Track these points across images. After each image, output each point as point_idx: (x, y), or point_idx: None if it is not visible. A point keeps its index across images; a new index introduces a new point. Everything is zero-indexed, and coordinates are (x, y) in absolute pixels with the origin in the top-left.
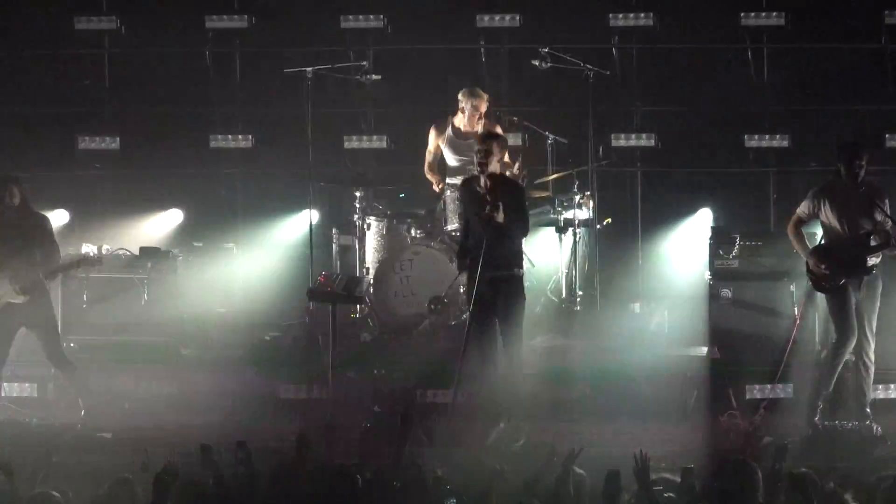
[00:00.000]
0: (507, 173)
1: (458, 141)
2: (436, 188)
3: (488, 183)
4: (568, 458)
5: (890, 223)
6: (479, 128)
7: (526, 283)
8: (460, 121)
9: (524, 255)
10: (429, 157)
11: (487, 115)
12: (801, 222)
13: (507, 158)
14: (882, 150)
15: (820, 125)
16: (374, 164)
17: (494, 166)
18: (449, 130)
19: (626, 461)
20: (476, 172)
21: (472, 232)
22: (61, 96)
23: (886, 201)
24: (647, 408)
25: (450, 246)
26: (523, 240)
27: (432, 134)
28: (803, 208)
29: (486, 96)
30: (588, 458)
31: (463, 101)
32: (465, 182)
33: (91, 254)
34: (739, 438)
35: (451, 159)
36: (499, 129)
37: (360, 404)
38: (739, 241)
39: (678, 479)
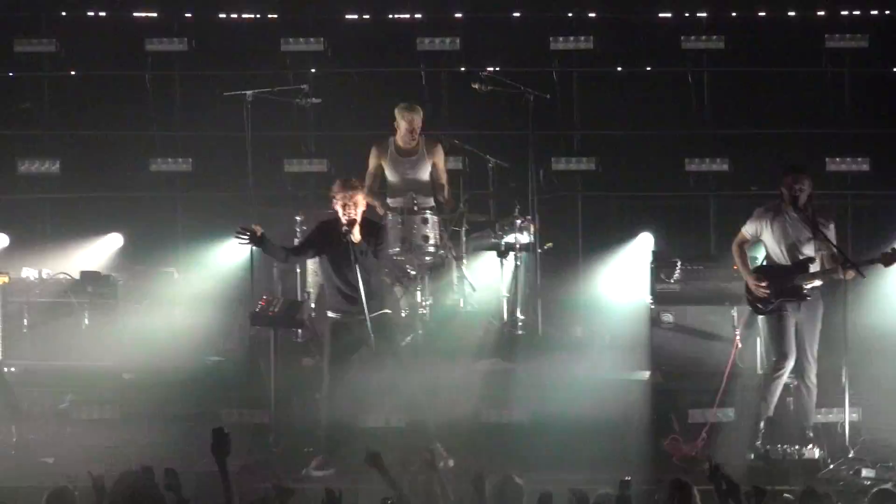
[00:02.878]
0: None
1: (399, 158)
2: (379, 211)
3: (350, 230)
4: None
5: (834, 249)
6: (418, 144)
7: (468, 308)
8: (400, 138)
9: (465, 280)
10: (369, 179)
11: (432, 142)
12: (746, 241)
13: (443, 179)
14: (823, 173)
15: (760, 149)
16: (315, 188)
17: (358, 214)
18: (391, 148)
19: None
20: (343, 221)
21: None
22: (0, 119)
23: (832, 226)
24: (590, 431)
25: (391, 270)
26: (464, 263)
27: (373, 154)
28: (748, 228)
29: (420, 111)
30: (528, 481)
31: (399, 116)
32: (329, 224)
33: None
34: (682, 462)
35: (392, 176)
36: (439, 149)
37: (301, 429)
38: (680, 265)
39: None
